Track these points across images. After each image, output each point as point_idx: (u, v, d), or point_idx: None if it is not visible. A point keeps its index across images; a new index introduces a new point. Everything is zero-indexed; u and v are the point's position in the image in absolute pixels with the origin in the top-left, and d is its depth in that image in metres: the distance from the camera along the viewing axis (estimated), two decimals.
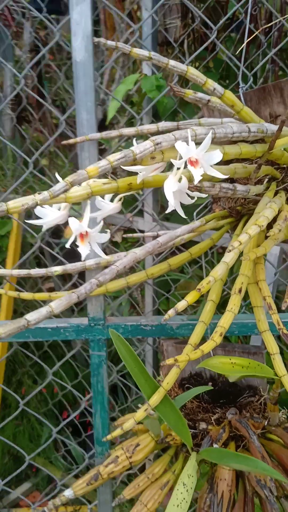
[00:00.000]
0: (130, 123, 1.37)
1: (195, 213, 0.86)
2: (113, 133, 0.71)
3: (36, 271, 0.79)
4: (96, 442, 0.89)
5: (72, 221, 0.48)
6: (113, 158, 0.43)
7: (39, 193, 0.40)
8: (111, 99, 1.10)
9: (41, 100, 0.94)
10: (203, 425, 0.79)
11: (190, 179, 0.47)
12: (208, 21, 0.84)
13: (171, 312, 0.50)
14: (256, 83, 1.19)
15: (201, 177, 0.44)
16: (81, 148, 0.70)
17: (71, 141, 0.69)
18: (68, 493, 0.85)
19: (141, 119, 1.36)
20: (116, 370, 1.39)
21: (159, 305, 1.46)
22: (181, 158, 0.45)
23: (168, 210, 0.47)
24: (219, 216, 0.75)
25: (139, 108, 1.14)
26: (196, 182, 0.43)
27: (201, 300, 1.44)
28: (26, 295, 0.81)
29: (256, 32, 0.85)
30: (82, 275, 1.00)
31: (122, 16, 0.80)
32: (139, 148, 0.44)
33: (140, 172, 0.51)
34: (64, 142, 0.68)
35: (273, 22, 0.93)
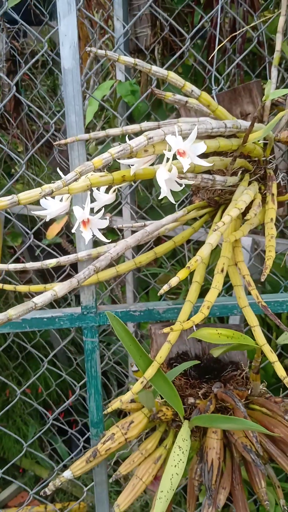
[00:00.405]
0: (103, 128, 1.43)
1: (176, 206, 0.94)
2: (100, 133, 0.77)
3: (31, 265, 0.84)
4: (91, 425, 0.95)
5: (77, 209, 0.54)
6: (114, 151, 0.49)
7: (53, 182, 0.46)
8: (88, 104, 1.16)
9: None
10: (191, 400, 0.85)
11: (179, 169, 0.54)
12: (180, 29, 0.92)
13: (165, 287, 0.57)
14: (224, 86, 1.27)
15: (189, 166, 0.51)
16: (71, 148, 0.76)
17: (62, 141, 0.75)
18: (67, 474, 0.90)
19: (117, 122, 1.43)
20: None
21: (140, 300, 1.52)
22: (170, 150, 0.52)
23: (161, 196, 0.53)
24: (199, 207, 0.82)
25: (114, 111, 1.21)
26: (185, 170, 0.50)
27: (181, 293, 1.51)
28: (22, 287, 0.86)
29: (225, 42, 0.93)
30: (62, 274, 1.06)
31: (102, 25, 0.86)
32: (135, 142, 0.50)
33: (133, 165, 0.58)
34: (57, 143, 0.74)
35: (240, 31, 1.02)
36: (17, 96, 1.47)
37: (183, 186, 0.56)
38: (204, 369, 0.89)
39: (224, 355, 0.90)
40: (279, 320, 0.61)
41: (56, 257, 0.84)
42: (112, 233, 1.47)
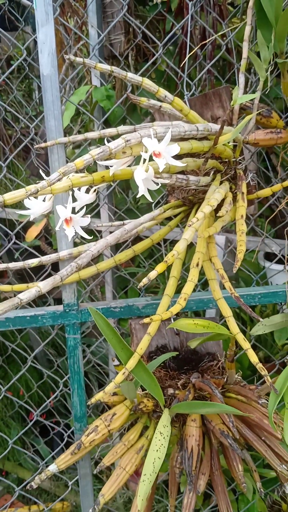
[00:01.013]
0: (79, 132, 1.47)
1: (153, 206, 0.98)
2: (79, 137, 0.81)
3: (14, 264, 0.86)
4: (74, 419, 0.98)
5: (60, 208, 0.58)
6: (94, 152, 0.53)
7: (37, 182, 0.49)
8: (65, 109, 1.20)
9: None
10: (171, 391, 0.89)
11: (155, 170, 0.58)
12: (153, 37, 0.96)
13: (145, 280, 0.61)
14: (195, 91, 1.32)
15: (164, 166, 0.55)
16: (51, 151, 0.79)
17: (42, 145, 0.78)
18: (52, 468, 0.93)
19: (93, 126, 1.46)
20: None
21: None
22: (147, 151, 0.56)
23: (139, 195, 0.57)
24: (175, 206, 0.86)
25: (91, 115, 1.24)
26: (161, 169, 0.54)
27: (158, 291, 1.55)
28: (5, 287, 0.88)
29: (196, 49, 0.98)
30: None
31: (78, 33, 0.90)
32: (113, 144, 0.54)
33: (112, 166, 0.61)
34: (37, 146, 0.77)
35: (210, 39, 1.07)
36: None
37: (159, 185, 0.60)
38: (182, 361, 0.93)
39: (201, 346, 0.94)
40: (250, 309, 0.66)
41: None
42: (91, 234, 1.50)
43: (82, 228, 0.64)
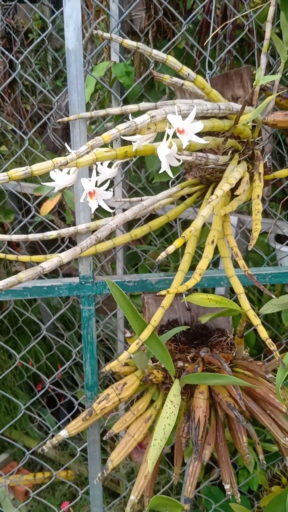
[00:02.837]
0: (100, 107, 1.47)
1: (170, 183, 0.99)
2: (101, 112, 0.82)
3: (33, 236, 0.89)
4: (86, 388, 1.01)
5: (85, 181, 0.60)
6: (121, 127, 0.55)
7: (67, 154, 0.51)
8: (85, 85, 1.20)
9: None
10: (180, 363, 0.92)
11: (178, 146, 0.60)
12: (176, 13, 0.96)
13: (163, 253, 0.63)
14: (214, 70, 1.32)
15: (188, 143, 0.56)
16: (73, 125, 0.81)
17: (65, 119, 0.80)
18: (63, 433, 0.97)
19: (109, 102, 1.47)
20: None
21: None
22: (171, 128, 0.57)
23: (161, 171, 0.59)
24: (192, 184, 0.88)
25: (109, 94, 1.25)
26: (184, 146, 0.56)
27: (169, 269, 1.58)
28: (24, 257, 0.91)
29: (218, 29, 0.98)
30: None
31: (103, 7, 0.90)
32: (139, 120, 0.56)
33: (135, 142, 0.63)
34: (60, 120, 0.79)
35: (232, 19, 1.07)
36: (12, 74, 1.50)
37: (181, 162, 0.62)
38: (192, 336, 0.96)
39: (211, 322, 0.97)
40: (262, 286, 0.68)
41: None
42: (103, 212, 1.52)
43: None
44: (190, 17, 0.93)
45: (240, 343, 0.87)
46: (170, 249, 0.63)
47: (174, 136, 0.60)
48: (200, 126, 0.58)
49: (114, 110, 0.80)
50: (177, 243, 0.65)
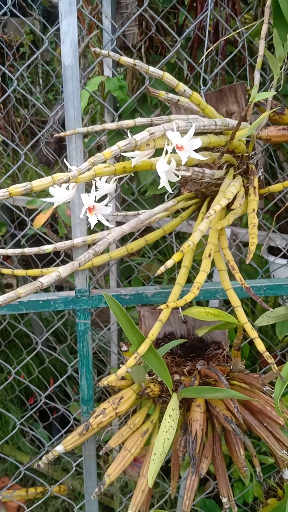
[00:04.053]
0: (92, 120, 1.48)
1: (165, 197, 1.00)
2: (97, 127, 0.83)
3: (29, 250, 0.89)
4: (82, 402, 1.00)
5: (84, 196, 0.60)
6: (121, 144, 0.55)
7: (69, 171, 0.51)
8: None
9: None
10: (176, 377, 0.92)
11: (177, 162, 0.60)
12: (169, 29, 0.98)
13: (162, 268, 0.63)
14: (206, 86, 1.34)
15: (187, 159, 0.57)
16: (69, 140, 0.81)
17: (62, 134, 0.80)
18: (59, 448, 0.96)
19: (102, 117, 1.48)
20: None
21: None
22: (170, 144, 0.58)
23: (160, 186, 0.60)
24: (187, 198, 0.89)
25: (102, 107, 1.26)
26: (183, 162, 0.57)
27: (161, 282, 1.58)
28: (20, 271, 0.91)
29: (212, 47, 1.00)
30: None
31: (97, 23, 0.91)
32: (139, 136, 0.56)
33: (133, 158, 0.64)
34: (56, 135, 0.79)
35: (225, 35, 1.09)
36: (4, 88, 1.50)
37: (179, 177, 0.62)
38: (189, 349, 0.96)
39: (207, 335, 0.97)
40: (259, 299, 0.68)
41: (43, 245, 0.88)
42: (99, 225, 1.52)
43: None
44: (184, 34, 0.94)
45: (237, 356, 0.87)
46: (169, 263, 0.64)
47: (173, 152, 0.61)
48: (198, 142, 0.59)
49: (111, 125, 0.80)
50: (176, 257, 0.65)
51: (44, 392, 2.00)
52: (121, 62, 0.68)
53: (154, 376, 0.94)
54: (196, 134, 0.71)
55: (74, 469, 1.15)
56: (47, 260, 1.75)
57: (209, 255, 0.76)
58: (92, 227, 0.63)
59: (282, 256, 1.19)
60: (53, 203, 0.65)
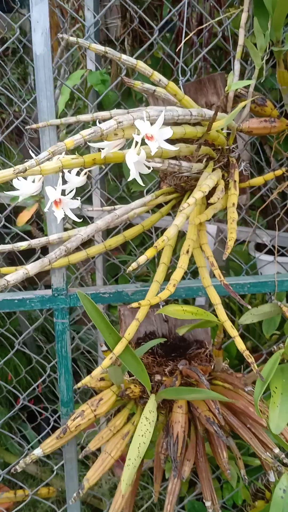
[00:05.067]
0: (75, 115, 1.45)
1: (145, 192, 0.97)
2: (71, 119, 0.80)
3: (2, 247, 0.86)
4: (61, 404, 0.98)
5: (49, 189, 0.57)
6: (85, 133, 0.52)
7: (26, 161, 0.48)
8: (60, 94, 1.18)
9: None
10: (157, 377, 0.89)
11: (147, 153, 0.58)
12: (149, 20, 0.95)
13: (134, 264, 0.60)
14: (191, 78, 1.31)
15: (157, 149, 0.54)
16: (42, 132, 0.78)
17: (33, 126, 0.77)
18: (37, 452, 0.93)
19: (87, 111, 1.45)
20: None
21: None
22: (139, 134, 0.55)
23: (129, 178, 0.57)
24: (167, 192, 0.86)
25: (85, 101, 1.23)
26: (152, 153, 0.54)
27: (148, 279, 1.55)
28: None
29: (191, 35, 0.97)
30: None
31: (74, 14, 0.88)
32: (105, 125, 0.54)
33: (103, 149, 0.61)
34: (28, 127, 0.76)
35: (206, 25, 1.06)
36: None
37: (151, 169, 0.59)
38: (170, 348, 0.93)
39: (189, 334, 0.94)
40: (238, 296, 0.66)
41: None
42: (84, 222, 1.50)
43: (75, 214, 0.63)
44: (161, 23, 0.92)
45: (218, 355, 0.85)
46: (142, 259, 0.61)
47: (144, 142, 0.58)
48: (169, 132, 0.56)
49: (85, 117, 0.77)
50: (149, 253, 0.62)
51: (32, 391, 1.97)
52: (91, 49, 0.65)
53: (134, 376, 0.91)
54: (171, 125, 0.68)
55: (55, 472, 1.12)
56: (35, 259, 1.71)
57: (187, 251, 0.73)
58: (58, 223, 0.60)
59: (268, 252, 1.17)
60: (25, 199, 0.62)
